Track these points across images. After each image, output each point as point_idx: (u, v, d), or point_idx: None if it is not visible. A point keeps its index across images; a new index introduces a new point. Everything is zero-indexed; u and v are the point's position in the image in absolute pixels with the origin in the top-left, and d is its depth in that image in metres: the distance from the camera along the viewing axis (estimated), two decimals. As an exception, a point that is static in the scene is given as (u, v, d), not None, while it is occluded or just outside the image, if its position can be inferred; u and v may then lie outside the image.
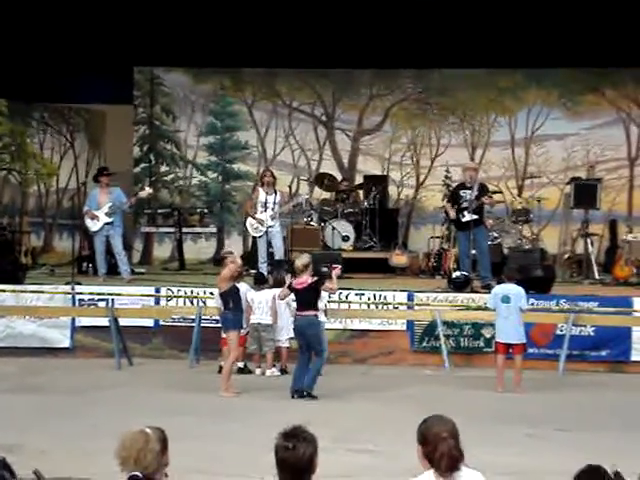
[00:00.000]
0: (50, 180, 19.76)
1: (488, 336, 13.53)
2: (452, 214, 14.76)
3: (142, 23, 17.92)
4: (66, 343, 14.38)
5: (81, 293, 14.48)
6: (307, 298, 11.28)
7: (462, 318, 13.76)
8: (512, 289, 11.87)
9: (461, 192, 14.73)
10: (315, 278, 11.35)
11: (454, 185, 16.08)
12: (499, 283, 12.47)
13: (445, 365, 13.15)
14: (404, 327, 13.93)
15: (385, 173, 19.72)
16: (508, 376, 11.82)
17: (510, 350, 11.86)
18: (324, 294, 11.95)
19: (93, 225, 15.63)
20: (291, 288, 11.49)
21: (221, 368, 11.97)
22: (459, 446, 4.66)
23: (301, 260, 11.51)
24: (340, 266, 12.70)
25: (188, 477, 4.98)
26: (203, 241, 19.66)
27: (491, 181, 17.65)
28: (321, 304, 12.17)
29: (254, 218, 15.48)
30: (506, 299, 11.80)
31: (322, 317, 12.43)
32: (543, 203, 17.74)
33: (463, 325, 13.76)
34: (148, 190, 16.61)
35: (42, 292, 14.48)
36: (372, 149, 20.02)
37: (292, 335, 12.95)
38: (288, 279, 12.24)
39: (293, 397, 11.17)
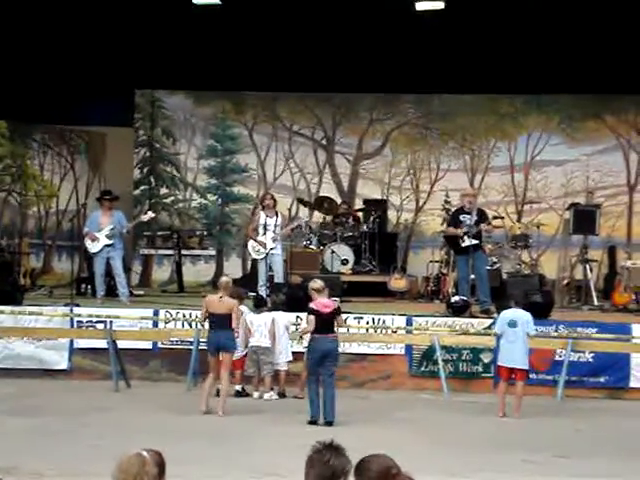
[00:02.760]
0: (50, 201, 19.79)
1: (486, 361, 13.53)
2: (460, 232, 14.63)
3: (144, 46, 18.04)
4: (64, 365, 14.35)
5: (79, 315, 14.46)
6: (330, 321, 11.11)
7: (461, 343, 13.74)
8: (520, 314, 11.85)
9: (461, 217, 14.75)
10: (338, 302, 11.27)
11: (453, 209, 16.11)
12: (503, 308, 12.41)
13: (443, 390, 13.12)
14: (403, 351, 13.91)
15: (385, 197, 19.76)
16: (507, 401, 11.80)
17: (512, 375, 11.83)
18: None
19: (93, 247, 15.63)
20: (314, 312, 11.09)
21: (218, 391, 11.93)
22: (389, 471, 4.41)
23: (317, 282, 11.36)
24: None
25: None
26: (202, 263, 19.66)
27: (490, 206, 17.72)
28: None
29: (255, 241, 15.50)
30: (513, 323, 11.77)
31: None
32: (542, 228, 17.76)
33: (461, 350, 13.74)
34: (150, 214, 16.65)
35: (41, 314, 14.45)
36: (372, 173, 20.06)
37: (290, 359, 12.97)
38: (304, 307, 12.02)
39: (316, 423, 10.98)
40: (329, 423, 10.94)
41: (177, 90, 20.17)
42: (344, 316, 13.89)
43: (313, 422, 11.01)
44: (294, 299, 13.72)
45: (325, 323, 11.04)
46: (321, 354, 11.03)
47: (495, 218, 16.06)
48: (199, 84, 19.23)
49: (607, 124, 19.26)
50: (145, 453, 4.92)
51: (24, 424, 10.79)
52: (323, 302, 11.09)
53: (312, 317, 11.03)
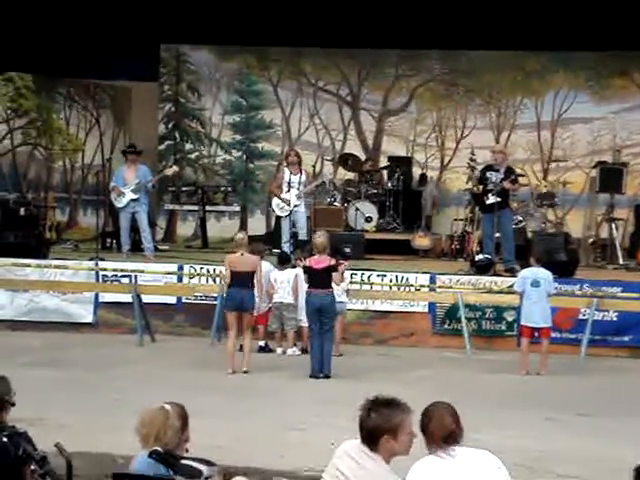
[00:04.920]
0: (75, 156, 19.83)
1: (510, 319, 13.51)
2: (477, 189, 14.59)
3: (169, 1, 17.93)
4: (89, 318, 14.46)
5: (105, 269, 14.56)
6: (325, 279, 11.30)
7: (484, 301, 13.73)
8: (542, 273, 11.80)
9: (487, 174, 14.64)
10: (334, 261, 11.37)
11: (480, 167, 16.00)
12: (525, 266, 12.38)
13: (466, 348, 13.13)
14: (426, 309, 13.92)
15: (409, 154, 19.67)
16: (530, 360, 11.80)
17: (536, 334, 11.83)
18: (347, 274, 11.99)
19: (119, 201, 15.67)
20: (306, 269, 11.49)
21: (241, 346, 11.97)
22: (456, 421, 4.77)
23: (321, 238, 11.52)
24: (346, 262, 12.60)
25: (208, 454, 5.00)
26: (226, 219, 19.67)
27: (516, 164, 17.55)
28: (344, 284, 12.25)
29: (280, 198, 15.47)
30: (536, 283, 11.72)
31: (344, 297, 12.51)
32: (568, 187, 17.65)
33: (485, 308, 13.73)
34: (174, 168, 16.66)
35: (66, 267, 14.56)
36: (397, 130, 19.96)
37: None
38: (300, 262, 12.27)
39: (316, 377, 11.19)
40: (326, 376, 11.17)
41: (202, 45, 20.08)
42: (367, 274, 14.05)
43: (314, 376, 11.20)
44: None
45: (318, 279, 11.31)
46: (315, 309, 11.33)
47: (518, 176, 15.87)
48: (224, 39, 19.13)
49: (635, 81, 19.03)
50: (168, 406, 4.96)
51: (49, 376, 10.89)
52: (317, 259, 11.34)
53: (297, 274, 11.47)
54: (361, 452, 4.83)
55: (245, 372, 11.40)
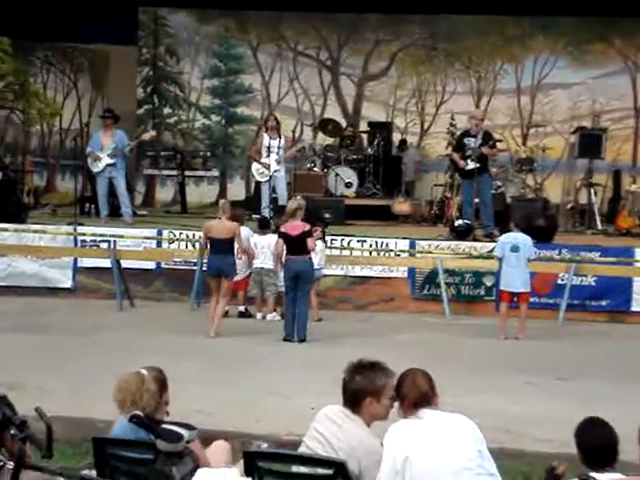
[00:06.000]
0: (53, 120, 19.68)
1: (489, 284, 13.57)
2: (461, 163, 14.57)
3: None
4: (68, 283, 14.42)
5: (83, 234, 14.49)
6: (301, 244, 11.32)
7: (463, 266, 13.78)
8: (521, 238, 11.84)
9: (465, 140, 14.64)
10: (308, 226, 11.39)
11: (459, 133, 15.99)
12: (505, 232, 12.41)
13: (445, 313, 13.18)
14: (405, 274, 13.95)
15: (389, 120, 19.62)
16: (508, 325, 11.87)
17: (514, 299, 11.89)
18: (319, 243, 12.12)
19: (95, 166, 15.57)
20: (282, 235, 11.51)
21: (227, 312, 12.01)
22: (431, 386, 4.86)
23: (293, 204, 11.56)
24: (320, 228, 12.63)
25: (188, 419, 5.01)
26: (205, 184, 19.61)
27: (496, 129, 17.56)
28: (318, 249, 12.31)
29: (259, 163, 15.41)
30: (515, 248, 11.77)
31: (322, 262, 12.58)
32: (547, 152, 17.68)
33: (464, 273, 13.78)
34: (151, 132, 16.55)
35: (44, 232, 14.48)
36: (377, 95, 19.91)
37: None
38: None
39: (290, 341, 11.26)
40: (301, 340, 11.27)
41: (180, 8, 19.93)
42: (347, 239, 14.06)
43: (287, 340, 11.31)
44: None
45: (295, 244, 11.35)
46: (293, 274, 11.39)
47: (496, 141, 15.83)
48: (202, 2, 18.99)
49: (614, 47, 19.05)
50: (144, 371, 4.96)
51: (28, 341, 10.87)
52: (292, 224, 11.38)
53: (280, 240, 11.46)
54: (342, 414, 4.87)
55: (213, 337, 11.41)
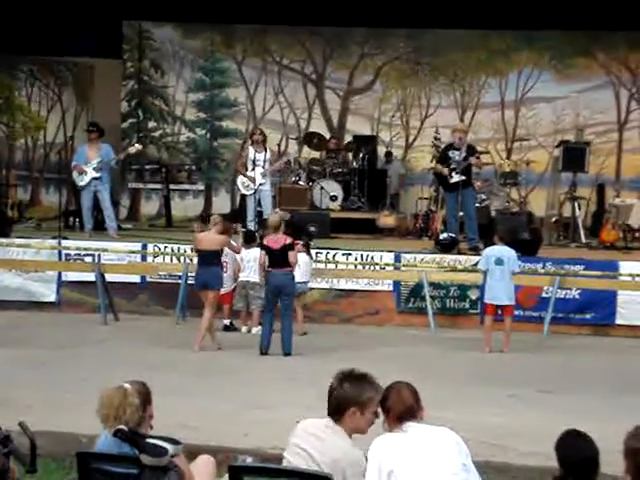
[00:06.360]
0: (37, 134, 19.65)
1: (474, 297, 13.59)
2: (445, 171, 14.57)
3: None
4: (52, 297, 14.38)
5: (68, 248, 14.46)
6: (282, 257, 11.31)
7: (448, 279, 13.79)
8: (505, 252, 11.85)
9: (450, 153, 14.68)
10: (290, 240, 11.40)
11: (443, 146, 16.03)
12: (489, 245, 12.44)
13: (431, 326, 13.19)
14: (390, 288, 13.96)
15: (374, 133, 19.67)
16: (493, 337, 11.88)
17: (499, 312, 11.91)
18: (302, 256, 12.17)
19: (81, 180, 15.55)
20: (264, 248, 11.52)
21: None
22: (416, 399, 4.86)
23: (274, 217, 11.65)
24: (302, 242, 12.67)
25: (173, 432, 5.00)
26: (191, 198, 19.61)
27: (480, 143, 17.62)
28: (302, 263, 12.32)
29: (245, 176, 15.42)
30: (500, 261, 11.79)
31: (305, 277, 12.59)
32: (531, 166, 17.74)
33: (449, 286, 13.79)
34: (137, 146, 16.53)
35: (29, 246, 14.45)
36: (362, 109, 19.95)
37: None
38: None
39: (264, 354, 11.28)
40: (287, 354, 11.25)
41: (165, 22, 19.93)
42: (332, 252, 14.06)
43: (264, 353, 11.29)
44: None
45: (277, 258, 11.35)
46: (275, 287, 11.37)
47: (482, 154, 15.89)
48: (187, 16, 19.00)
49: (598, 61, 19.14)
50: (127, 385, 4.94)
51: (12, 355, 10.81)
52: (274, 238, 11.39)
53: (263, 252, 11.48)
54: (323, 427, 4.86)
55: (195, 350, 11.40)
